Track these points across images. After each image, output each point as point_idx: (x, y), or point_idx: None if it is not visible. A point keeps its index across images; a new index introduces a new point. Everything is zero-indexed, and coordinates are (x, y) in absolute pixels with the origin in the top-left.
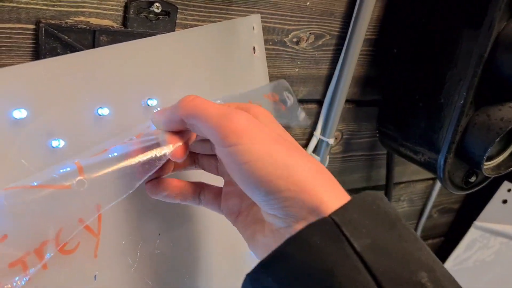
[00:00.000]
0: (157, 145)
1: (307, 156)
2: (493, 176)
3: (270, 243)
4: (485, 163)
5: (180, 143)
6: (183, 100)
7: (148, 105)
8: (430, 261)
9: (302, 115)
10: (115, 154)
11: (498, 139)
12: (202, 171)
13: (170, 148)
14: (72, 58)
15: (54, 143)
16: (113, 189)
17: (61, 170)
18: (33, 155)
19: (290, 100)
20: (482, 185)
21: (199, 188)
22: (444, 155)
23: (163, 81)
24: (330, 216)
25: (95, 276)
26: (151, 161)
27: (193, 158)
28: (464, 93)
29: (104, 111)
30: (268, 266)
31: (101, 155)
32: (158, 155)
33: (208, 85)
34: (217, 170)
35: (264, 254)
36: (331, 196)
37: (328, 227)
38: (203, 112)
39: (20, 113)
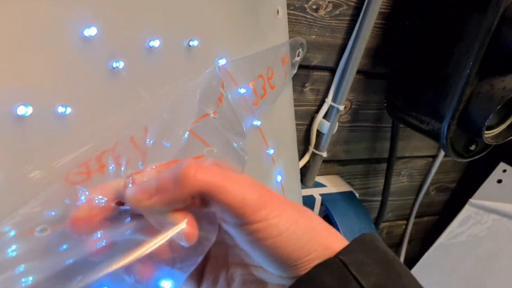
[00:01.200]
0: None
1: (299, 205)
2: (492, 144)
3: None
4: (486, 132)
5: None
6: (188, 172)
7: (190, 45)
8: None
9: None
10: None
11: (499, 107)
12: None
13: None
14: None
15: (115, 64)
16: None
17: None
18: (95, 73)
19: (299, 56)
20: (481, 154)
21: None
22: (448, 121)
23: (199, 26)
24: (336, 256)
25: None
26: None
27: None
28: (471, 63)
29: (155, 43)
30: None
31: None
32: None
33: (237, 37)
34: None
35: None
36: (338, 240)
37: (336, 266)
38: (224, 187)
39: (90, 31)
